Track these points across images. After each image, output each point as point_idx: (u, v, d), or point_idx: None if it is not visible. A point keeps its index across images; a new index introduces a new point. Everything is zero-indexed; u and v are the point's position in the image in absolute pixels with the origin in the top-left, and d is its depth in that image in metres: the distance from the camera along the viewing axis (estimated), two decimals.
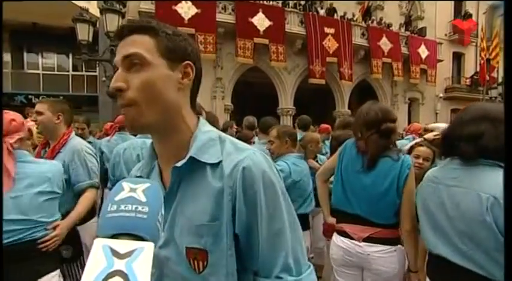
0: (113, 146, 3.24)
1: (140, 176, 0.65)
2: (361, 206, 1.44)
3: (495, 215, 0.86)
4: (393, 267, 1.42)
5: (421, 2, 14.07)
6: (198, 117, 0.63)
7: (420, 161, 1.83)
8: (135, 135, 2.39)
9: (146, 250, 0.33)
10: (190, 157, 0.56)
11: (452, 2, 15.27)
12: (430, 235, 1.07)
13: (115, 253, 0.32)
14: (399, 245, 1.43)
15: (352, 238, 1.45)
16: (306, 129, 3.55)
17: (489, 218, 0.86)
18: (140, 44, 0.54)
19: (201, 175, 0.56)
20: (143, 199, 0.38)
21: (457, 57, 15.78)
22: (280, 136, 2.01)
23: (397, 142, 1.64)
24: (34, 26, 10.79)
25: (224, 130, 3.32)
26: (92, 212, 1.80)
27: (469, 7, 15.37)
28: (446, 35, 15.02)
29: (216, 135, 0.61)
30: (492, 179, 0.90)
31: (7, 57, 10.97)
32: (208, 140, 0.59)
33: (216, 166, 0.56)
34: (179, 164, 0.56)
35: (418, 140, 2.40)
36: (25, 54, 11.66)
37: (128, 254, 0.33)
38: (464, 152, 0.97)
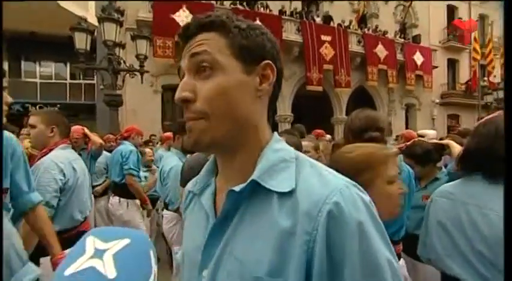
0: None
1: (193, 191, 0.55)
2: None
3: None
4: None
5: (415, 10, 14.34)
6: (273, 132, 0.51)
7: None
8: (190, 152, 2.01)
9: None
10: (252, 181, 0.43)
11: (445, 11, 15.61)
12: (445, 256, 0.99)
13: None
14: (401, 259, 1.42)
15: None
16: (301, 138, 3.54)
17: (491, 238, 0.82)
18: (210, 44, 0.44)
19: (265, 206, 0.42)
20: (112, 272, 0.24)
21: (452, 64, 16.02)
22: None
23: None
24: (32, 35, 10.84)
25: None
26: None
27: (462, 15, 15.71)
28: (440, 42, 15.28)
29: (292, 156, 0.46)
30: None
31: (5, 66, 10.97)
32: (280, 161, 0.44)
33: (286, 196, 0.41)
34: (237, 188, 0.43)
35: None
36: (22, 62, 11.68)
37: None
38: (498, 171, 0.87)
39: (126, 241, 0.26)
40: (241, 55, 0.45)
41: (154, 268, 0.27)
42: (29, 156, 1.74)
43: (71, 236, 1.53)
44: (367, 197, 0.42)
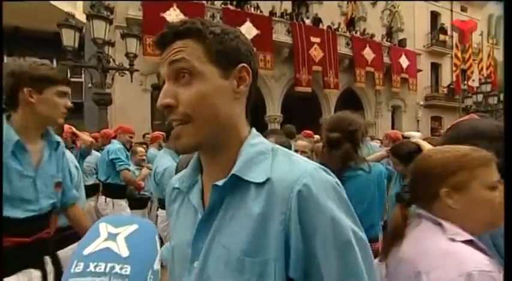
0: None
1: (178, 188, 0.57)
2: None
3: (493, 234, 0.81)
4: None
5: (401, 15, 14.79)
6: (250, 128, 0.54)
7: None
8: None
9: None
10: (233, 175, 0.46)
11: (429, 16, 16.18)
12: None
13: None
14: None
15: None
16: (291, 138, 3.62)
17: (487, 237, 0.83)
18: (187, 52, 0.46)
19: (246, 197, 0.46)
20: (125, 252, 0.27)
21: (435, 68, 16.61)
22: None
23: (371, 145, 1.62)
24: (16, 29, 10.48)
25: None
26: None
27: (444, 21, 16.35)
28: (424, 46, 15.82)
29: (268, 148, 0.50)
30: None
31: None
32: (257, 155, 0.48)
33: (263, 185, 0.45)
34: (220, 183, 0.46)
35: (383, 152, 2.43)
36: (5, 58, 11.25)
37: None
38: None
39: (135, 227, 0.30)
40: (218, 60, 0.47)
41: (159, 250, 0.31)
42: None
43: (75, 232, 1.58)
44: (334, 179, 0.47)
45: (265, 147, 0.50)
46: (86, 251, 0.27)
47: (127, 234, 0.29)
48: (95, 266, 0.26)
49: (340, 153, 1.37)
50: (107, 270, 0.26)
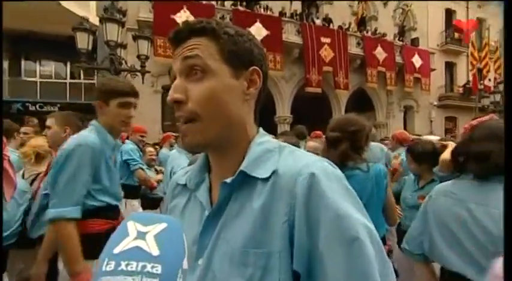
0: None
1: (185, 185, 0.57)
2: None
3: None
4: None
5: (414, 13, 14.47)
6: (258, 128, 0.54)
7: None
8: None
9: None
10: (241, 171, 0.46)
11: (444, 14, 15.76)
12: (449, 253, 1.01)
13: None
14: None
15: None
16: (302, 139, 3.58)
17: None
18: (202, 49, 0.46)
19: (252, 192, 0.46)
20: (155, 250, 0.27)
21: (449, 67, 16.15)
22: None
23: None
24: (32, 33, 10.82)
25: None
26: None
27: (460, 18, 15.86)
28: (438, 45, 15.41)
29: (275, 146, 0.50)
30: None
31: (4, 64, 10.94)
32: (265, 152, 0.49)
33: (268, 179, 0.45)
34: (228, 180, 0.47)
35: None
36: (22, 61, 11.64)
37: None
38: (474, 171, 0.98)
39: (164, 225, 0.29)
40: (231, 60, 0.47)
41: (186, 249, 0.30)
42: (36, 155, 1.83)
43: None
44: (338, 171, 0.47)
45: (272, 145, 0.50)
46: (116, 250, 0.27)
47: (156, 232, 0.28)
48: (126, 265, 0.25)
49: (337, 152, 1.39)
50: (139, 269, 0.25)
